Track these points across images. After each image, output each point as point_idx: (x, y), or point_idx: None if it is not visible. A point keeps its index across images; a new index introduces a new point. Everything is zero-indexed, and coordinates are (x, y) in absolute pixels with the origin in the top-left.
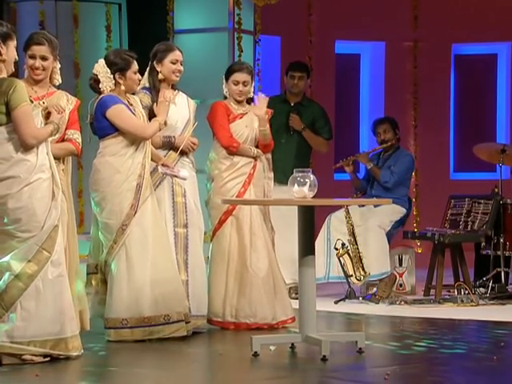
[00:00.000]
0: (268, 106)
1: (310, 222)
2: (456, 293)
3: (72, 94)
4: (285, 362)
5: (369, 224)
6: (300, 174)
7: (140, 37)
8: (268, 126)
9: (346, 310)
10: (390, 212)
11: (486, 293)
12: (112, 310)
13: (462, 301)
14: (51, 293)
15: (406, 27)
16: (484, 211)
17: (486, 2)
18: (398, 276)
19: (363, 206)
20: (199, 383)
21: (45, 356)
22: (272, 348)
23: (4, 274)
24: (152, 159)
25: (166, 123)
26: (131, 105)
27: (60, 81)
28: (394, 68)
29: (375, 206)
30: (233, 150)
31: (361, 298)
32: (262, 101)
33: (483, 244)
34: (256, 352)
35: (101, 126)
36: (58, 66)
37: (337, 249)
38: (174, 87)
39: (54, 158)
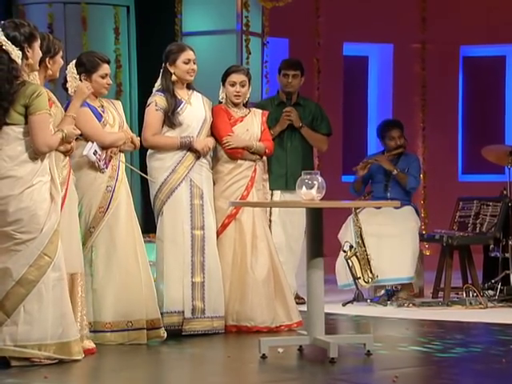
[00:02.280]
0: (263, 109)
1: (318, 224)
2: (464, 295)
3: None
4: (293, 365)
5: (409, 225)
6: (308, 177)
7: (148, 39)
8: (258, 142)
9: (354, 313)
10: (415, 214)
11: (494, 295)
12: None
13: (471, 303)
14: (52, 296)
15: (414, 29)
16: (492, 213)
17: (493, 4)
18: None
19: (379, 207)
20: None
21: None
22: (280, 350)
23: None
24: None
25: (179, 124)
26: (102, 106)
27: None
28: (402, 70)
29: (396, 208)
30: (237, 156)
31: (369, 301)
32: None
33: (492, 246)
34: (264, 354)
35: None
36: None
37: (345, 251)
38: (188, 87)
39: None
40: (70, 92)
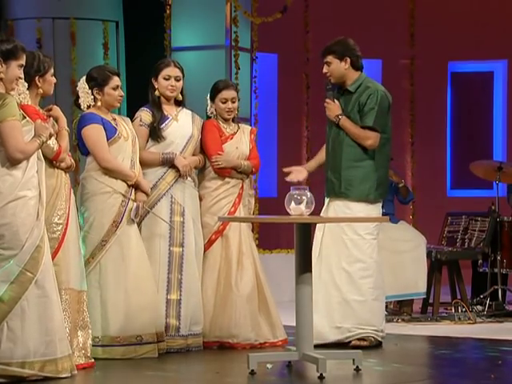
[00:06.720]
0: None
1: (306, 239)
2: (453, 310)
3: (69, 112)
4: (282, 380)
5: (420, 240)
6: (297, 192)
7: (137, 54)
8: (246, 161)
9: None
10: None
11: (483, 310)
12: None
13: (460, 318)
14: (36, 313)
15: (403, 45)
16: (481, 228)
17: (482, 20)
18: None
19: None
20: None
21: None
22: (269, 366)
23: None
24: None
25: (159, 140)
26: (114, 120)
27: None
28: (391, 85)
29: (393, 223)
30: (225, 175)
31: None
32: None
33: (480, 261)
34: (253, 370)
35: (82, 143)
36: None
37: None
38: (179, 103)
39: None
40: (82, 107)
